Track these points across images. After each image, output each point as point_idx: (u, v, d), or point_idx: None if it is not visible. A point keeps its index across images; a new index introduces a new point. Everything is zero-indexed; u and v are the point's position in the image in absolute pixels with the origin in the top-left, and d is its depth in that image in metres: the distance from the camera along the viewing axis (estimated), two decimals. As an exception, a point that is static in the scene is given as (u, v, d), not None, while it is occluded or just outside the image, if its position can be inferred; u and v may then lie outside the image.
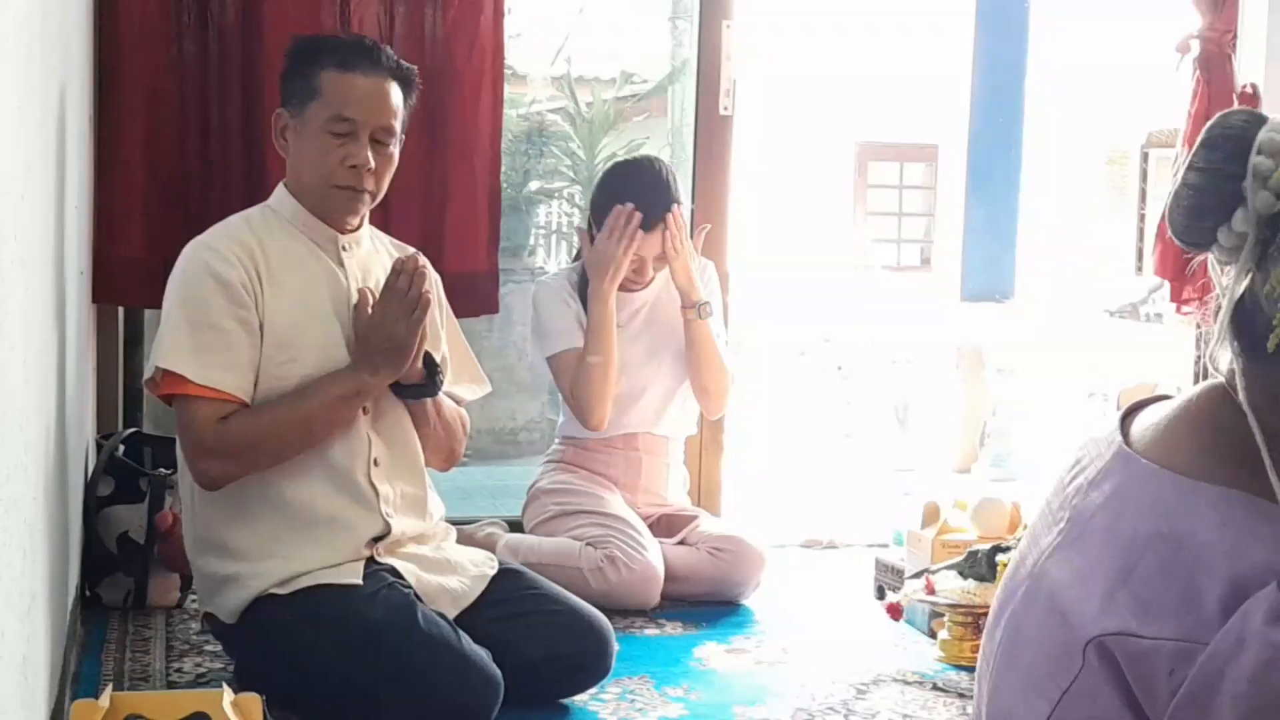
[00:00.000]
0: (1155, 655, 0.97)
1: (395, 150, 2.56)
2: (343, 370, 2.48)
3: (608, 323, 3.29)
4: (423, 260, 2.51)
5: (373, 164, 2.50)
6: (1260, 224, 1.01)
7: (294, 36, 2.65)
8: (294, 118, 2.52)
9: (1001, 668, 1.12)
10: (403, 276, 2.46)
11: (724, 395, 3.46)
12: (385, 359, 2.47)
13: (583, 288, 3.38)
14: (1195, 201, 1.04)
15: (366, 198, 2.54)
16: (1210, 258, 1.07)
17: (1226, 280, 1.04)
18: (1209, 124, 1.05)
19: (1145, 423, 1.10)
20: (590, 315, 3.30)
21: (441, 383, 2.61)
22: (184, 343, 2.42)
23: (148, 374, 2.49)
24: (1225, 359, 1.06)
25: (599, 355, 3.28)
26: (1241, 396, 1.03)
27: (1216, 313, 1.05)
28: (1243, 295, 1.02)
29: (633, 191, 3.34)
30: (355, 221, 2.59)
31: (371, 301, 2.48)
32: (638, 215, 3.29)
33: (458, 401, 2.73)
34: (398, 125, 2.55)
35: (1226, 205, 1.02)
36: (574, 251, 3.59)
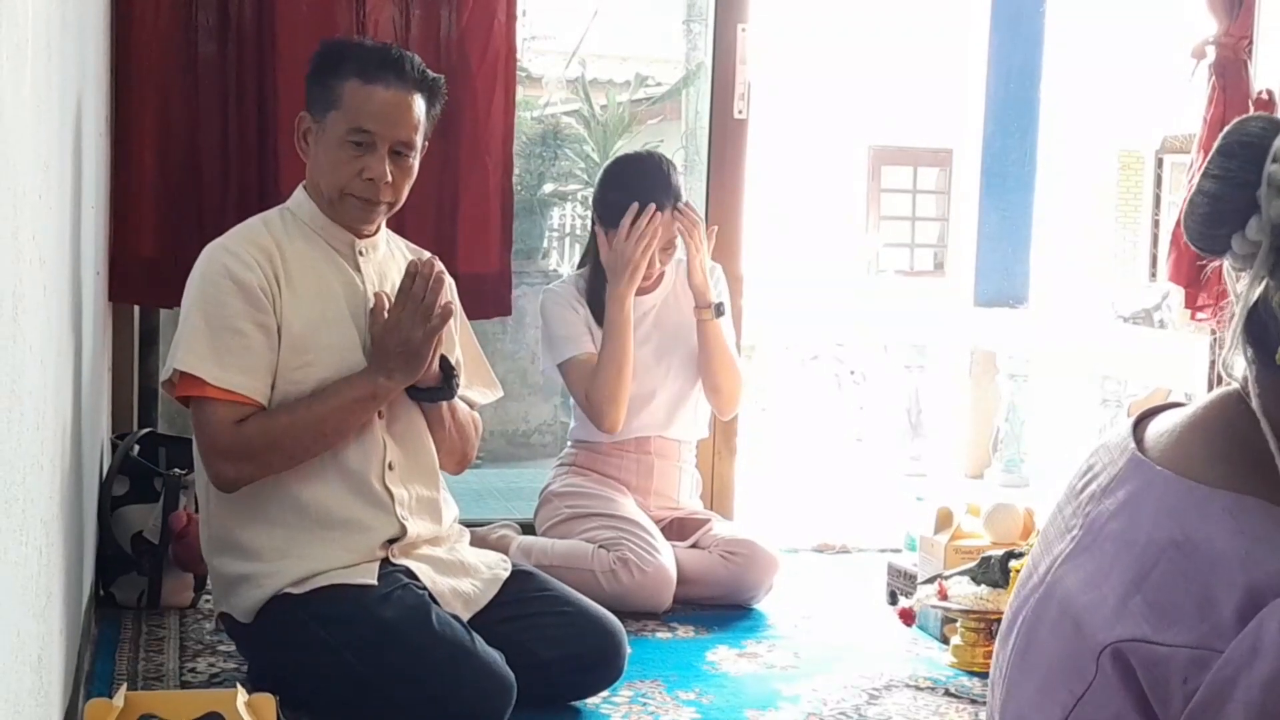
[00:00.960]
0: (1170, 662, 0.97)
1: (415, 161, 2.56)
2: (358, 374, 2.48)
3: (625, 325, 3.28)
4: (439, 266, 2.51)
5: (390, 177, 2.50)
6: (1274, 232, 1.01)
7: (322, 41, 2.65)
8: (315, 123, 2.52)
9: (1015, 675, 1.12)
10: (418, 281, 2.46)
11: (736, 395, 3.46)
12: (401, 363, 2.47)
13: (590, 293, 3.38)
14: (1210, 209, 1.04)
15: (382, 208, 2.55)
16: (1225, 265, 1.07)
17: (1240, 287, 1.04)
18: (1225, 131, 1.05)
19: (1159, 429, 1.10)
20: (607, 317, 3.29)
21: (458, 386, 2.62)
22: (202, 345, 2.43)
23: (165, 376, 2.50)
24: (1239, 366, 1.06)
25: (615, 357, 3.27)
26: (1255, 404, 1.03)
27: (1231, 320, 1.05)
28: (1256, 303, 1.02)
29: (631, 183, 3.34)
30: (372, 227, 2.60)
31: (388, 306, 2.49)
32: (657, 213, 3.28)
33: (470, 405, 2.74)
34: (418, 138, 2.54)
35: (1241, 213, 1.02)
36: (583, 256, 3.58)
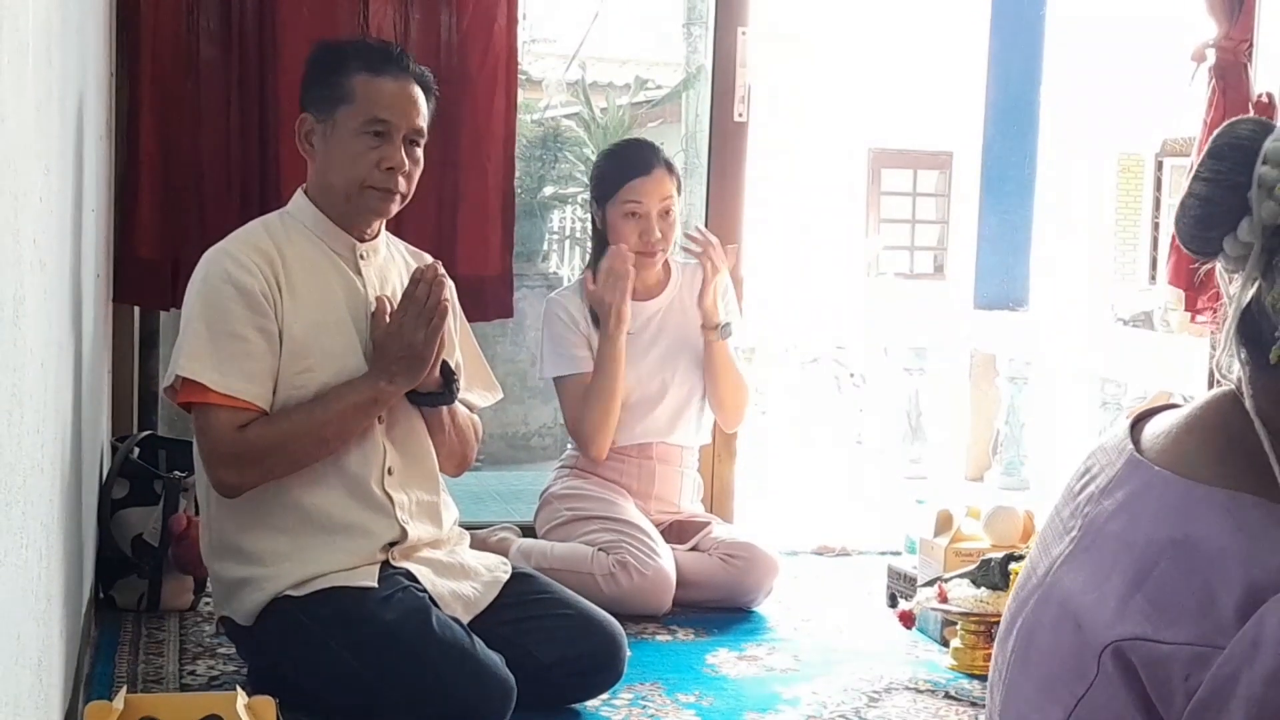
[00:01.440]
0: (1172, 660, 0.97)
1: (421, 152, 2.58)
2: (360, 378, 2.48)
3: (614, 362, 3.30)
4: (441, 269, 2.52)
5: (406, 165, 2.52)
6: (1265, 233, 1.01)
7: (318, 42, 2.67)
8: (321, 122, 2.53)
9: (1015, 676, 1.12)
10: (421, 285, 2.46)
11: (741, 410, 3.49)
12: (403, 367, 2.48)
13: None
14: (1201, 211, 1.04)
15: (398, 198, 2.55)
16: (1218, 267, 1.07)
17: (1233, 289, 1.05)
18: (1216, 133, 1.06)
19: (1155, 430, 1.10)
20: (598, 354, 3.32)
21: (458, 390, 2.62)
22: (204, 351, 2.43)
23: (167, 381, 2.50)
24: (1234, 366, 1.07)
25: (603, 395, 3.30)
26: (1249, 404, 1.04)
27: (1224, 322, 1.06)
28: (1249, 304, 1.02)
29: (622, 155, 3.44)
30: (375, 228, 2.60)
31: (389, 310, 2.49)
32: (630, 255, 3.32)
33: (470, 408, 2.74)
34: (426, 128, 2.57)
35: (1232, 215, 1.03)
36: (587, 258, 3.61)
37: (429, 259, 2.73)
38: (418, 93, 2.55)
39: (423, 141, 2.57)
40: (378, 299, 2.52)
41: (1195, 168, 1.05)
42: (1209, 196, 1.04)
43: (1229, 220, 1.03)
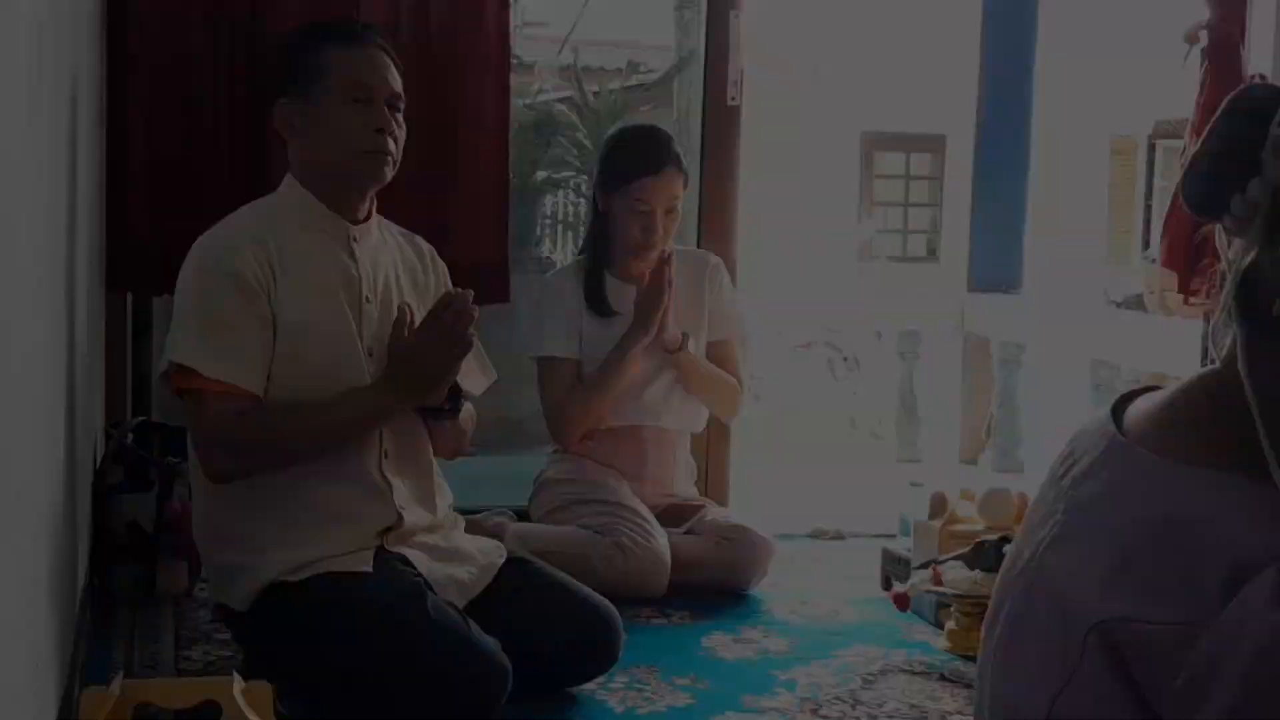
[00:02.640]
0: (1157, 640, 0.97)
1: (402, 118, 2.58)
2: (366, 389, 2.47)
3: (622, 370, 3.31)
4: (470, 299, 2.47)
5: (393, 127, 2.53)
6: (1275, 194, 1.01)
7: (279, 39, 2.67)
8: (301, 102, 2.52)
9: (1002, 661, 1.13)
10: (448, 312, 2.44)
11: (731, 406, 3.49)
12: (414, 386, 2.47)
13: (588, 279, 3.39)
14: (1212, 167, 1.04)
15: (391, 162, 2.55)
16: (1218, 229, 1.07)
17: (1233, 253, 1.05)
18: (1232, 94, 1.06)
19: (1138, 412, 1.10)
20: (610, 358, 3.32)
21: (462, 406, 2.61)
22: (197, 337, 2.42)
23: (162, 368, 2.49)
24: (1226, 340, 1.07)
25: (599, 395, 3.33)
26: (1243, 370, 1.04)
27: (1222, 285, 1.06)
28: (1248, 268, 1.02)
29: (633, 145, 3.39)
30: (366, 209, 2.60)
31: (411, 320, 2.46)
32: (674, 259, 3.32)
33: (466, 395, 2.73)
34: (402, 93, 2.58)
35: (1243, 173, 1.02)
36: (580, 244, 3.60)
37: (422, 241, 2.73)
38: (388, 60, 2.57)
39: (402, 106, 2.57)
40: (400, 307, 2.49)
41: (1210, 126, 1.05)
42: (1221, 152, 1.04)
43: (1238, 178, 1.03)
